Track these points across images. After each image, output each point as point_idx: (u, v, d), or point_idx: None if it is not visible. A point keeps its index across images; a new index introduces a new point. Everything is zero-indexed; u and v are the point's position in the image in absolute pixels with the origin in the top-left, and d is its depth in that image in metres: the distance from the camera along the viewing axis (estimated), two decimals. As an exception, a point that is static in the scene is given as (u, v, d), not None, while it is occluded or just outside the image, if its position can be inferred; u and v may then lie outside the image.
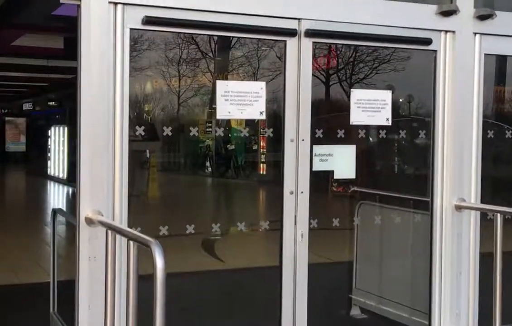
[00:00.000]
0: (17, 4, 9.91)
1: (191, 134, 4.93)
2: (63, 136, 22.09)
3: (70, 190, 18.34)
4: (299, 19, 4.36)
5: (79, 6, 3.76)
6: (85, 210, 3.76)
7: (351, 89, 4.75)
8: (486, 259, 4.83)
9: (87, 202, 3.77)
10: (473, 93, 4.93)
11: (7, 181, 23.71)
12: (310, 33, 4.36)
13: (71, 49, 3.90)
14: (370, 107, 4.68)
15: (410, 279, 5.60)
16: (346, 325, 6.23)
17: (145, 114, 13.87)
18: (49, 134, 23.67)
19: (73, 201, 3.89)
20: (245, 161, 17.56)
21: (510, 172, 7.17)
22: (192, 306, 6.30)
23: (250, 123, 8.08)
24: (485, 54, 4.94)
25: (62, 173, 21.51)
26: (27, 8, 10.16)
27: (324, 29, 4.43)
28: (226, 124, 11.82)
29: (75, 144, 3.87)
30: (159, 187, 14.04)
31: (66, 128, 21.74)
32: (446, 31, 4.82)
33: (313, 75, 4.48)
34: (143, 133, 4.34)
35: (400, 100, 9.17)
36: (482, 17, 4.86)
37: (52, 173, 22.70)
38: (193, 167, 17.86)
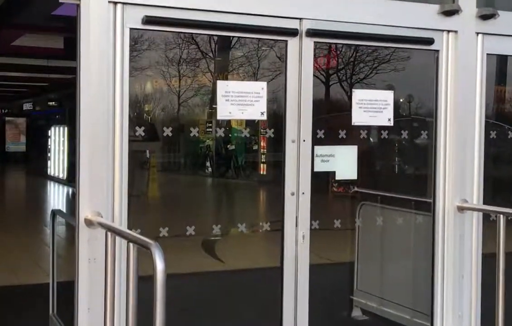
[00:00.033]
0: (17, 4, 9.89)
1: (192, 134, 4.90)
2: (63, 136, 22.10)
3: (70, 190, 18.31)
4: (300, 18, 4.33)
5: (78, 5, 3.73)
6: (85, 211, 3.73)
7: (353, 89, 4.72)
8: (488, 260, 4.80)
9: (87, 203, 3.74)
10: (475, 93, 4.90)
11: (7, 181, 23.69)
12: (312, 33, 4.34)
13: (71, 49, 3.87)
14: (372, 107, 4.66)
15: (412, 280, 5.58)
16: (347, 327, 6.22)
17: (145, 114, 13.84)
18: (49, 134, 23.68)
19: (73, 202, 3.86)
20: (245, 161, 17.54)
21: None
22: (192, 307, 6.27)
23: (250, 123, 8.05)
24: (487, 54, 4.91)
25: (62, 173, 21.51)
26: (27, 8, 10.14)
27: (326, 29, 4.41)
28: (227, 124, 11.79)
29: (75, 144, 3.84)
30: (159, 187, 14.02)
31: (66, 128, 21.74)
32: (448, 31, 4.79)
33: (313, 75, 4.45)
34: (143, 134, 4.31)
35: (401, 100, 9.15)
36: (484, 17, 4.83)
37: (52, 173, 22.71)
38: (193, 167, 17.83)
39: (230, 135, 15.84)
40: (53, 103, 27.82)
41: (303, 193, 4.37)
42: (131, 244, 3.11)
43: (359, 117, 4.63)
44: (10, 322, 6.20)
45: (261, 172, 15.33)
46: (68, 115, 21.39)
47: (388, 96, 4.73)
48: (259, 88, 4.32)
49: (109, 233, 3.46)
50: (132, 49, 3.93)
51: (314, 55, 4.42)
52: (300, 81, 4.34)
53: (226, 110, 4.21)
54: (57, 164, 22.46)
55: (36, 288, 6.89)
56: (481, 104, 4.92)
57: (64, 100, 25.30)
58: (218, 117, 4.24)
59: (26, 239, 10.69)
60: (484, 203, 4.95)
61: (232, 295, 6.90)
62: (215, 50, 9.79)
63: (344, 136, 4.71)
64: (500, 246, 4.32)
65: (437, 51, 4.80)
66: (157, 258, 2.83)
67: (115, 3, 3.81)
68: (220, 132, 7.68)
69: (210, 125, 14.79)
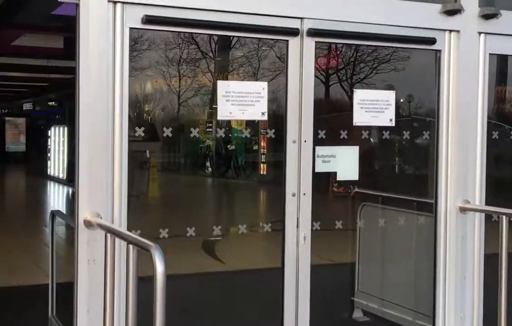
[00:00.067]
0: (17, 4, 9.87)
1: (192, 135, 4.87)
2: (63, 136, 22.10)
3: (70, 190, 18.30)
4: (301, 18, 4.30)
5: (77, 5, 3.70)
6: (84, 212, 3.70)
7: (354, 90, 4.69)
8: (491, 261, 4.78)
9: (86, 204, 3.71)
10: (478, 93, 4.87)
11: (7, 181, 23.67)
12: (313, 33, 4.30)
13: (71, 49, 3.84)
14: (373, 107, 4.63)
15: (413, 281, 5.55)
16: (348, 328, 6.19)
17: (145, 114, 13.84)
18: (49, 134, 23.67)
19: (72, 202, 3.83)
20: (245, 161, 17.54)
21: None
22: (192, 307, 6.25)
23: (251, 124, 8.04)
24: (489, 54, 4.88)
25: (62, 173, 21.51)
26: (27, 8, 10.12)
27: (327, 28, 4.38)
28: (227, 124, 11.78)
29: (74, 144, 3.81)
30: (159, 187, 14.02)
31: (66, 128, 21.73)
32: (451, 31, 4.76)
33: (314, 75, 4.43)
34: (143, 134, 4.28)
35: (401, 100, 9.14)
36: (487, 16, 4.80)
37: (52, 173, 22.70)
38: (193, 167, 17.83)
39: (230, 135, 15.84)
40: (53, 103, 27.82)
41: (304, 194, 4.34)
42: (130, 246, 3.08)
43: (360, 118, 4.60)
44: (10, 323, 6.18)
45: (261, 172, 15.32)
46: (68, 115, 21.38)
47: (389, 96, 4.70)
48: (260, 88, 4.29)
49: (108, 235, 3.44)
50: (132, 49, 3.90)
51: (315, 55, 4.40)
52: (301, 81, 4.31)
53: (226, 110, 4.19)
54: (57, 164, 22.45)
55: (36, 289, 6.86)
56: (484, 104, 4.89)
57: (64, 100, 25.29)
58: (219, 117, 4.22)
59: (26, 239, 10.67)
60: (486, 203, 4.92)
61: (233, 296, 6.88)
62: (215, 50, 9.78)
63: (346, 137, 4.69)
64: (503, 247, 4.30)
65: (439, 51, 4.77)
66: (157, 260, 2.80)
67: (115, 2, 3.78)
68: (220, 132, 7.64)
69: (210, 125, 14.79)
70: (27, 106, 32.25)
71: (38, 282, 7.05)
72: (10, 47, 13.68)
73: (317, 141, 4.47)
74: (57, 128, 23.07)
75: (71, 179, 18.52)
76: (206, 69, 10.74)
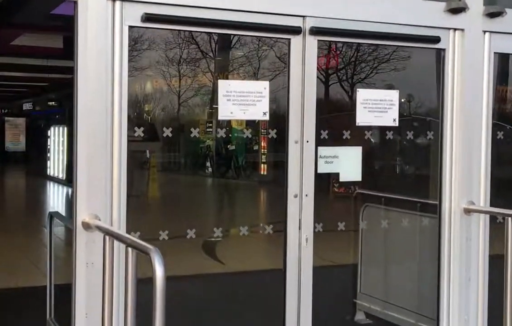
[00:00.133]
0: (16, 3, 9.81)
1: (192, 135, 4.82)
2: (63, 136, 22.07)
3: (70, 190, 18.25)
4: (303, 16, 4.24)
5: (76, 3, 3.64)
6: (82, 214, 3.64)
7: (358, 89, 4.62)
8: (495, 262, 4.72)
9: (84, 205, 3.65)
10: (482, 92, 4.81)
11: (7, 181, 23.63)
12: (315, 31, 4.24)
13: (71, 49, 3.78)
14: (376, 107, 4.57)
15: (417, 283, 5.49)
16: (350, 331, 6.14)
17: (145, 114, 13.80)
18: (49, 134, 23.64)
19: (71, 203, 3.77)
20: (245, 162, 17.51)
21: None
22: (192, 308, 6.21)
23: (251, 124, 7.98)
24: (494, 53, 4.83)
25: (62, 174, 21.48)
26: (26, 7, 10.06)
27: (329, 27, 4.32)
28: (227, 124, 11.73)
29: (73, 145, 3.75)
30: (159, 187, 13.98)
31: (65, 128, 21.70)
32: (455, 29, 4.71)
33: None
34: (142, 134, 4.22)
35: (402, 100, 9.09)
36: (491, 15, 4.74)
37: (51, 174, 22.66)
38: (194, 168, 17.81)
39: (230, 135, 15.80)
40: (53, 103, 27.82)
41: (306, 195, 4.28)
42: (129, 249, 3.03)
43: (363, 118, 4.54)
44: (8, 325, 6.12)
45: (262, 173, 15.30)
46: (67, 115, 21.34)
47: (393, 95, 4.65)
48: (262, 87, 4.23)
49: (107, 237, 3.38)
50: (132, 48, 3.86)
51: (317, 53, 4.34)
52: (304, 80, 4.25)
53: (227, 110, 4.13)
54: (56, 164, 22.42)
55: (34, 291, 6.81)
56: (488, 104, 4.84)
57: (63, 100, 25.30)
58: (220, 117, 4.16)
59: (25, 239, 10.62)
60: (491, 205, 4.86)
61: (234, 297, 6.83)
62: (216, 50, 9.74)
63: (348, 137, 4.62)
64: (508, 249, 4.24)
65: (443, 49, 4.72)
66: (156, 264, 2.75)
67: (114, 0, 3.72)
68: (221, 132, 7.59)
69: (210, 125, 14.76)
70: (26, 106, 32.25)
71: (37, 284, 7.00)
72: (10, 46, 13.64)
73: (320, 142, 4.41)
74: (56, 128, 23.04)
75: (70, 179, 18.50)
76: (206, 69, 10.71)
